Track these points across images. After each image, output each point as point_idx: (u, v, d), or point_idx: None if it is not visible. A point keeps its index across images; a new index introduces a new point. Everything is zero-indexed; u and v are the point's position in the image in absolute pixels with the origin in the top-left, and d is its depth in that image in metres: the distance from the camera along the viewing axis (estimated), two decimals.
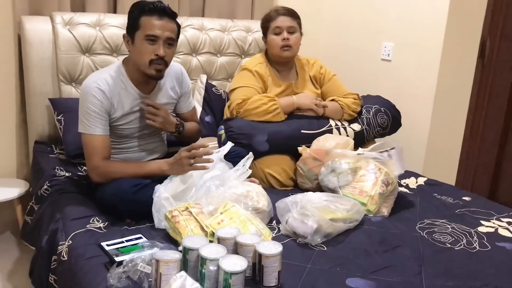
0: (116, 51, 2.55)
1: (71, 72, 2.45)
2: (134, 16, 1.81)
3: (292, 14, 2.43)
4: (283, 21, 2.39)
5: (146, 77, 1.87)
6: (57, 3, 2.50)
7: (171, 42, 1.85)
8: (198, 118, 2.60)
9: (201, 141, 2.25)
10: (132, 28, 1.82)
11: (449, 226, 1.89)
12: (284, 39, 2.37)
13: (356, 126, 2.40)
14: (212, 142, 2.30)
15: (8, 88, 2.52)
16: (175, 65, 2.06)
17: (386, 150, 2.10)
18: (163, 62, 1.84)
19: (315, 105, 2.35)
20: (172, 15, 1.84)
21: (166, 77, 1.96)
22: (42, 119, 2.47)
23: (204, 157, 1.79)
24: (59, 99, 2.45)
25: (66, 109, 2.35)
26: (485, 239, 1.80)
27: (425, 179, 2.41)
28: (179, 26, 1.90)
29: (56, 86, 2.46)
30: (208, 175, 1.86)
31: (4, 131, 2.56)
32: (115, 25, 2.52)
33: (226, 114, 2.36)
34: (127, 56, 1.93)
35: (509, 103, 2.91)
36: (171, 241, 1.62)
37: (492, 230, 1.88)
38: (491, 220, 1.97)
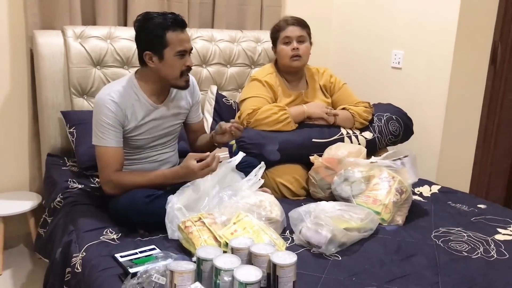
0: (127, 64, 2.57)
1: (83, 84, 2.47)
2: (157, 33, 1.80)
3: (301, 23, 2.43)
4: (293, 31, 2.39)
5: (177, 88, 1.94)
6: (69, 17, 2.52)
7: (191, 51, 1.91)
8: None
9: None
10: (158, 45, 1.81)
11: (465, 234, 1.86)
12: (293, 49, 2.37)
13: (368, 134, 2.39)
14: (223, 152, 2.29)
15: (21, 101, 2.54)
16: None
17: (399, 158, 2.08)
18: (190, 71, 1.92)
19: (326, 113, 2.34)
20: (186, 25, 1.89)
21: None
22: (55, 131, 2.49)
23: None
24: (71, 111, 2.46)
25: (78, 121, 2.37)
26: (503, 247, 1.77)
27: (439, 187, 2.38)
28: None
29: (68, 99, 2.48)
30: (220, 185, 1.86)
31: (16, 144, 2.58)
32: (126, 37, 2.54)
33: None
34: (138, 68, 1.94)
35: None
36: (185, 252, 1.62)
37: (510, 238, 1.85)
38: (508, 228, 1.94)
